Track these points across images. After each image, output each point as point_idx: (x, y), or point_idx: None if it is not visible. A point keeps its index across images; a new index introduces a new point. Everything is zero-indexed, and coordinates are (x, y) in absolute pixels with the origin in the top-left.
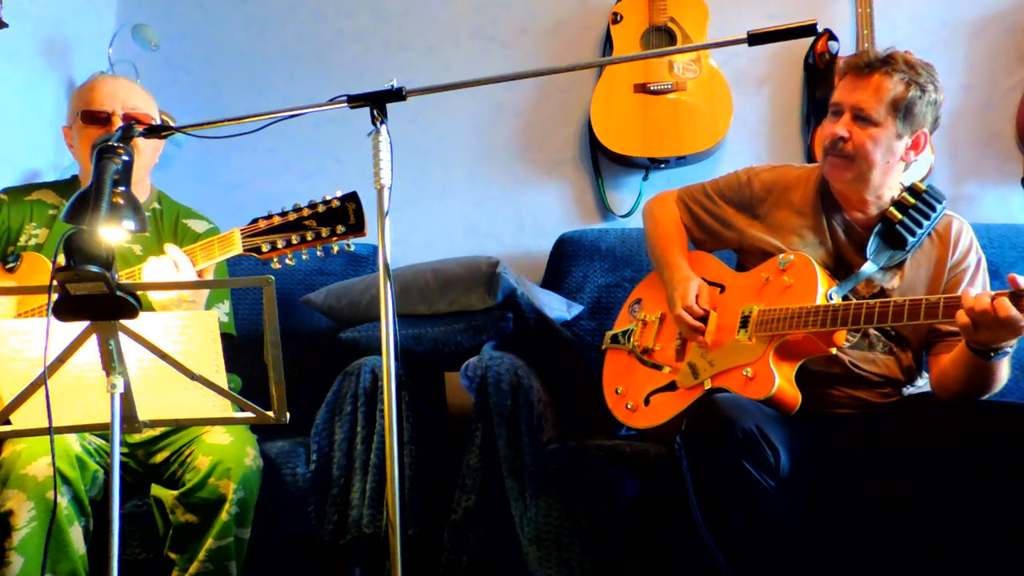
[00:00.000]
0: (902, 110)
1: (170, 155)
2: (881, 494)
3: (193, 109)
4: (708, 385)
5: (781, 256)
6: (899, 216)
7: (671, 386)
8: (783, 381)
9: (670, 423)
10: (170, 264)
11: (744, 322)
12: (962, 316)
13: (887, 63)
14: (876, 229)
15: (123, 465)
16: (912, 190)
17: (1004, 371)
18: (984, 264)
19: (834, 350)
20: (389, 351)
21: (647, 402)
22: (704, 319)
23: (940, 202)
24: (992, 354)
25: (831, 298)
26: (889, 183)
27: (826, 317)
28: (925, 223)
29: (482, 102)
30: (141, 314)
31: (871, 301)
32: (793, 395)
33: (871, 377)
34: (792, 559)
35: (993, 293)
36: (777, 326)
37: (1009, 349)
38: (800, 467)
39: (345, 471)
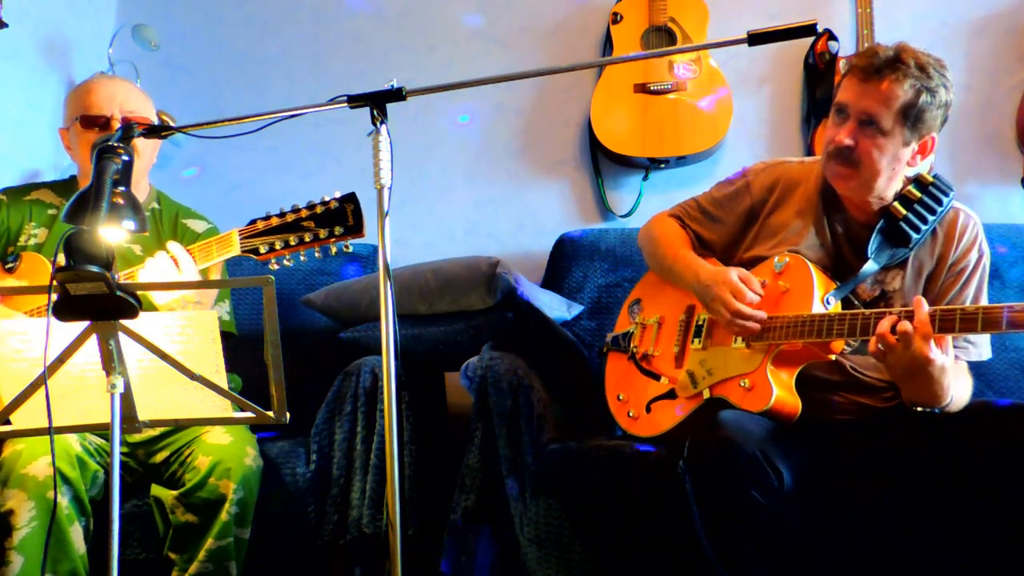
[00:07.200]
0: (912, 117)
1: (170, 155)
2: (884, 501)
3: (193, 109)
4: (707, 395)
5: (776, 258)
6: (903, 212)
7: (671, 394)
8: (781, 392)
9: (671, 430)
10: (169, 262)
11: None
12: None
13: (898, 66)
14: (878, 226)
15: (123, 465)
16: (918, 182)
17: (961, 390)
18: (985, 264)
19: (833, 356)
20: (389, 351)
21: (648, 409)
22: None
23: (947, 194)
24: (916, 407)
25: (828, 303)
26: (894, 185)
27: (821, 327)
28: (930, 218)
29: (482, 102)
30: (141, 314)
31: (867, 312)
32: (793, 404)
33: (873, 382)
34: (796, 572)
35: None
36: (772, 335)
37: (938, 409)
38: (803, 481)
39: (345, 471)
